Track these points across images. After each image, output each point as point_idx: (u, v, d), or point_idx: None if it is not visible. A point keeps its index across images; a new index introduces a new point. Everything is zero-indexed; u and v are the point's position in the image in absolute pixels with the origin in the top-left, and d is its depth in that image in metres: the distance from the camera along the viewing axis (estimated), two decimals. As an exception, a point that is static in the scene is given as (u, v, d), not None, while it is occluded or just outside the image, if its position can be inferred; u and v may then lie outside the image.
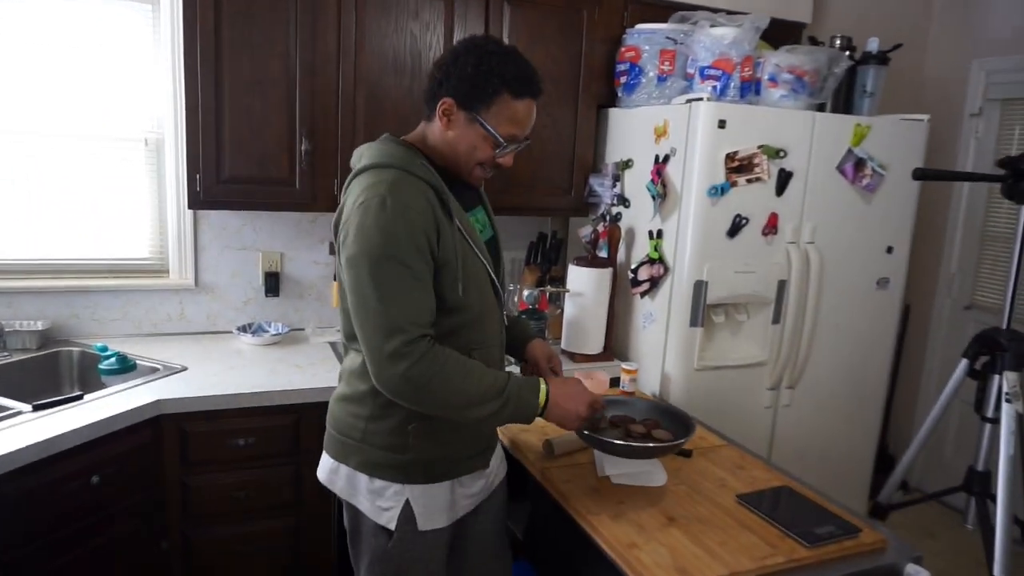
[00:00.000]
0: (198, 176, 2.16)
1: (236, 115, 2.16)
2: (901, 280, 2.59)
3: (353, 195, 1.37)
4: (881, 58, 2.47)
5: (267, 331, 2.59)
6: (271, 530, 2.15)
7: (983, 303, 3.41)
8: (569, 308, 2.49)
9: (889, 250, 2.52)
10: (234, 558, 2.12)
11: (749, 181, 2.22)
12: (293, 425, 2.11)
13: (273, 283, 2.62)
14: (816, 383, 2.52)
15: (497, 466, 1.67)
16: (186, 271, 2.52)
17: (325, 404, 2.06)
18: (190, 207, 2.21)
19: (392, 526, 1.48)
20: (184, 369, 2.19)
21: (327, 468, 1.56)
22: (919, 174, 2.13)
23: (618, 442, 1.61)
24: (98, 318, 2.45)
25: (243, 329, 2.53)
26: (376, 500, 1.48)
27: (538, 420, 1.44)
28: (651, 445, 1.63)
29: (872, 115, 2.49)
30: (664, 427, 1.82)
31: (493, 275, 1.51)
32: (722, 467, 1.79)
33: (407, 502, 1.47)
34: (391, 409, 1.42)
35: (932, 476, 3.68)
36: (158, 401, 1.94)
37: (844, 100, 2.53)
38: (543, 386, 1.43)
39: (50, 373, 2.26)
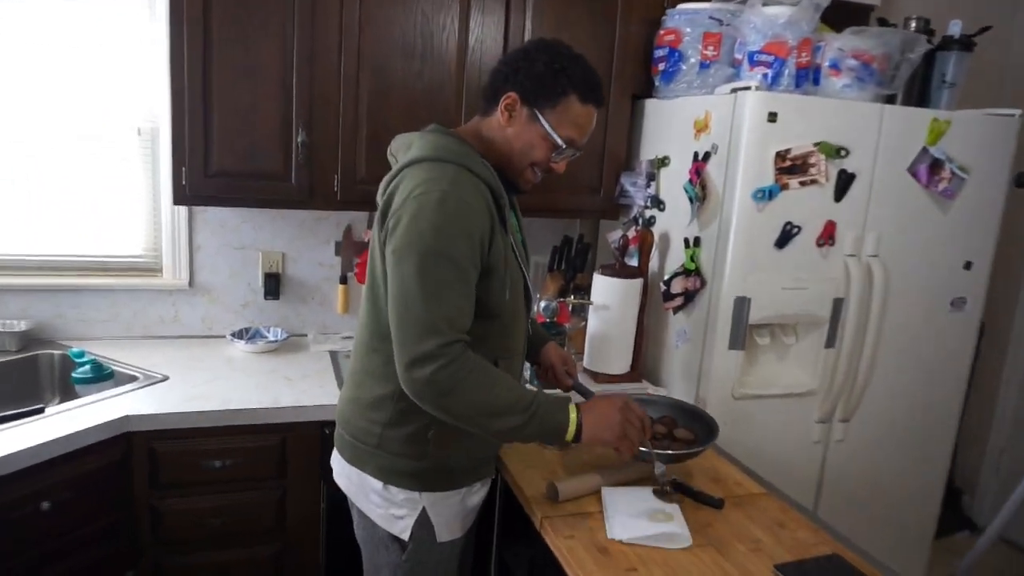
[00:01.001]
0: (184, 169, 1.97)
1: (225, 102, 1.96)
2: (980, 300, 2.24)
3: (407, 186, 1.29)
4: (965, 43, 2.13)
5: (265, 336, 2.40)
6: (251, 559, 1.95)
7: (1072, 324, 3.01)
8: (593, 322, 2.23)
9: (967, 266, 2.18)
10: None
11: (803, 184, 1.92)
12: (278, 446, 1.91)
13: (273, 285, 2.43)
14: (874, 416, 2.20)
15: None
16: (180, 271, 2.35)
17: (315, 424, 1.90)
18: (175, 203, 2.03)
19: (406, 536, 1.44)
20: (165, 379, 2.00)
21: (339, 471, 1.52)
22: (1021, 180, 1.79)
23: (648, 450, 1.47)
24: (85, 319, 2.29)
25: (238, 335, 2.34)
26: (390, 508, 1.44)
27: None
28: (681, 452, 1.56)
29: (951, 109, 2.15)
30: (682, 424, 1.70)
31: (527, 276, 1.48)
32: (759, 523, 1.50)
33: (423, 511, 1.43)
34: (411, 414, 1.36)
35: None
36: (127, 417, 1.76)
37: (919, 92, 2.20)
38: (573, 412, 1.33)
39: (29, 378, 2.10)
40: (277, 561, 1.98)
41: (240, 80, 1.96)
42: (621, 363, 2.22)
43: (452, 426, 1.32)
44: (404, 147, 1.41)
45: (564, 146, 1.37)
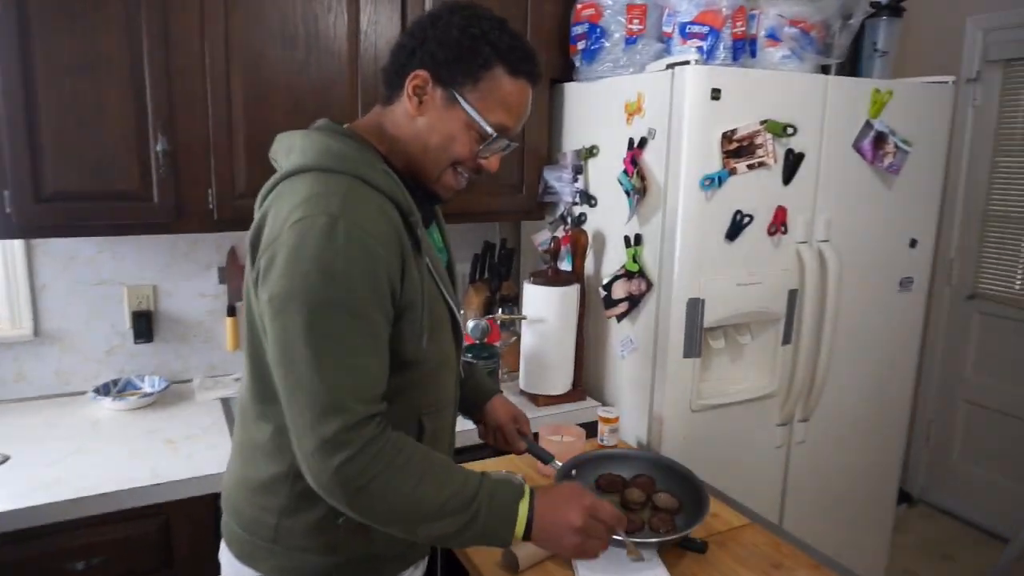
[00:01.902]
0: (5, 193, 1.56)
1: (57, 105, 1.56)
2: (925, 279, 2.14)
3: (284, 207, 0.98)
4: (895, 8, 2.01)
5: (138, 388, 1.99)
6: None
7: (988, 292, 3.02)
8: (527, 337, 1.97)
9: (912, 243, 2.07)
10: None
11: (751, 167, 1.72)
12: (159, 531, 1.53)
13: (144, 325, 2.02)
14: (834, 411, 2.05)
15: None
16: (20, 318, 1.91)
17: (206, 498, 1.54)
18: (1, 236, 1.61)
19: None
20: (4, 460, 1.58)
21: (229, 569, 1.17)
22: None
23: (616, 536, 1.16)
24: None
25: (102, 390, 1.92)
26: None
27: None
28: (666, 539, 1.25)
29: (886, 79, 2.02)
30: (662, 487, 1.44)
31: (458, 315, 1.17)
32: (752, 567, 1.29)
33: None
34: (314, 498, 1.03)
35: (940, 486, 3.30)
36: (-55, 523, 1.35)
37: (850, 62, 2.06)
38: (525, 499, 1.04)
39: None
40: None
41: (76, 77, 1.57)
42: (561, 381, 1.97)
43: None
44: (285, 151, 1.08)
45: (494, 135, 1.06)
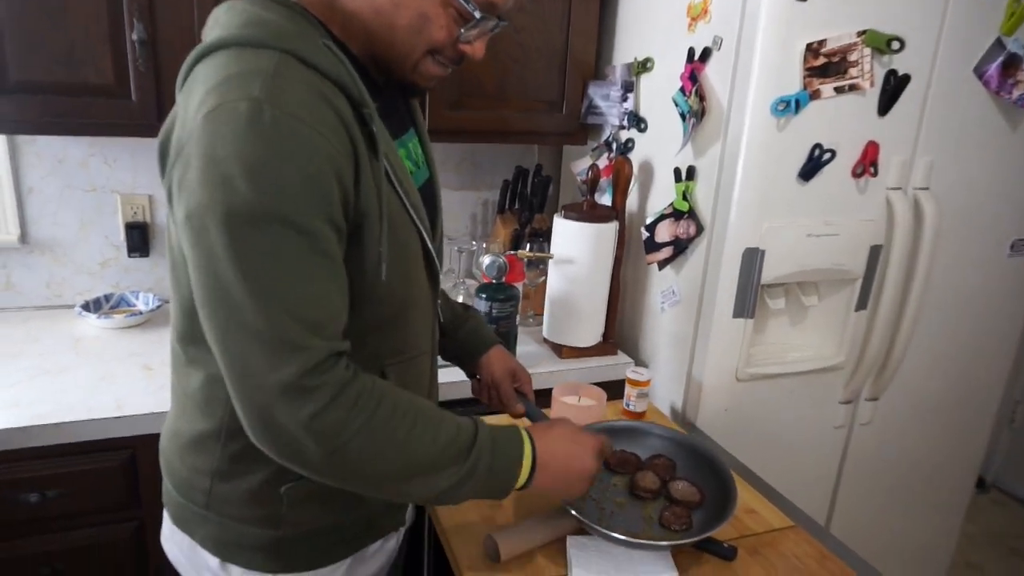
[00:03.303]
0: (-37, 81, 1.37)
1: (17, -19, 1.35)
2: (1044, 241, 1.77)
3: (196, 96, 0.75)
4: None
5: (131, 305, 1.85)
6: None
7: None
8: (554, 279, 1.72)
9: (1033, 199, 1.70)
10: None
11: (839, 90, 1.38)
12: (125, 466, 1.39)
13: (139, 238, 1.86)
14: (910, 390, 1.75)
15: (410, 513, 1.13)
16: (7, 223, 1.76)
17: None
18: (-39, 129, 1.43)
19: None
20: (-34, 377, 1.46)
21: (167, 533, 1.02)
22: None
23: (618, 536, 1.01)
24: None
25: (90, 306, 1.78)
26: None
27: None
28: (675, 543, 1.04)
29: (1026, -12, 1.61)
30: (682, 475, 1.21)
31: (430, 244, 0.94)
32: (790, 585, 1.05)
33: None
34: (250, 461, 0.87)
35: (1019, 472, 2.95)
36: None
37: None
38: (527, 443, 0.90)
39: None
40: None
41: (37, -52, 1.35)
42: (590, 332, 1.72)
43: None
44: (209, 26, 0.83)
45: (479, 16, 0.82)
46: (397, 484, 0.81)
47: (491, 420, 1.18)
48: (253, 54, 0.74)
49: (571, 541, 1.08)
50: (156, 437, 1.33)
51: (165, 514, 1.01)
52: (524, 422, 1.07)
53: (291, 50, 0.75)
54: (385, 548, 1.05)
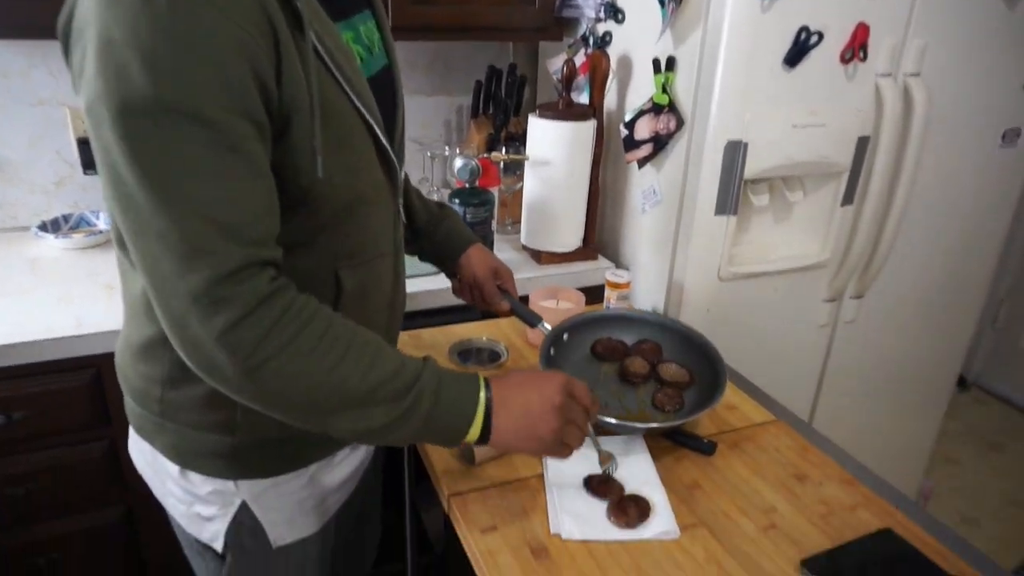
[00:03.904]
0: None
1: None
2: (1036, 130, 1.71)
3: None
4: None
5: (93, 224, 1.77)
6: (93, 527, 1.46)
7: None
8: (531, 183, 1.65)
9: (1027, 84, 1.63)
10: (49, 568, 1.45)
11: (828, -35, 1.29)
12: (91, 385, 1.35)
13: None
14: (896, 287, 1.72)
15: None
16: (-52, 139, 1.67)
17: None
18: None
19: (218, 545, 0.94)
20: (-82, 300, 1.40)
21: (131, 442, 0.99)
22: None
23: (610, 420, 1.00)
24: None
25: (48, 227, 1.71)
26: (194, 505, 0.93)
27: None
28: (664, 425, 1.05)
29: None
30: (670, 355, 1.21)
31: (383, 137, 0.85)
32: (770, 477, 1.04)
33: (242, 507, 0.92)
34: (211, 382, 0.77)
35: (1000, 371, 2.99)
36: None
37: None
38: (480, 406, 0.80)
39: None
40: (127, 524, 1.49)
41: None
42: (569, 236, 1.67)
43: None
44: None
45: None
46: (321, 416, 0.74)
47: (482, 325, 1.16)
48: None
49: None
50: (119, 354, 1.30)
51: (130, 424, 0.98)
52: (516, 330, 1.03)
53: None
54: (352, 457, 1.03)
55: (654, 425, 1.04)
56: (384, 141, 0.86)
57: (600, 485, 0.97)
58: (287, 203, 0.74)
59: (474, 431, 0.79)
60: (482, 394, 0.80)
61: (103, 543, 1.49)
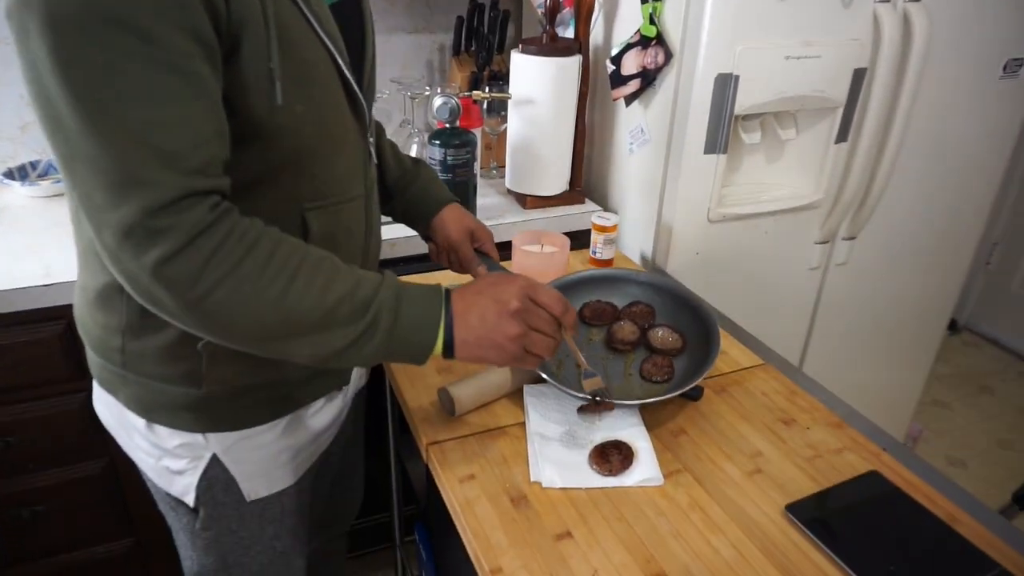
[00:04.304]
0: None
1: None
2: (1040, 61, 1.64)
3: None
4: None
5: (57, 172, 1.71)
6: (74, 481, 1.45)
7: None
8: (515, 123, 1.59)
9: (1031, 13, 1.55)
10: (32, 519, 1.44)
11: None
12: (62, 336, 1.32)
13: (59, 97, 1.69)
14: (889, 228, 1.68)
15: (359, 375, 1.08)
16: (-97, 82, 1.59)
17: None
18: None
19: (190, 499, 0.92)
20: None
21: (96, 395, 0.95)
22: None
23: (587, 396, 0.93)
24: None
25: (14, 174, 1.64)
26: (162, 459, 0.90)
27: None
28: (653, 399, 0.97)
29: None
30: (661, 322, 1.13)
31: (345, 68, 0.80)
32: (755, 421, 1.01)
33: (213, 460, 0.90)
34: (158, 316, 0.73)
35: (991, 314, 2.98)
36: None
37: None
38: (443, 302, 0.77)
39: None
40: (111, 475, 1.48)
41: None
42: (555, 180, 1.62)
43: None
44: None
45: None
46: (278, 342, 0.71)
47: (457, 275, 1.12)
48: None
49: (528, 391, 1.03)
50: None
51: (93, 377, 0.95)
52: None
53: None
54: (329, 407, 1.00)
55: (634, 402, 0.97)
56: (348, 75, 0.80)
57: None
58: (241, 135, 0.70)
59: (438, 346, 0.76)
60: (442, 307, 0.76)
61: (87, 495, 1.47)
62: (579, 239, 1.53)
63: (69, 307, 1.28)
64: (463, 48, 1.85)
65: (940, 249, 1.79)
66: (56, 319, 1.30)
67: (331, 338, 0.71)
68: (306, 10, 0.72)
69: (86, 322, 0.88)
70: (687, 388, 0.96)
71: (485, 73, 1.77)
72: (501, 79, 1.75)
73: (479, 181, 1.59)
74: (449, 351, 0.77)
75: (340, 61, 0.78)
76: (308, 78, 0.74)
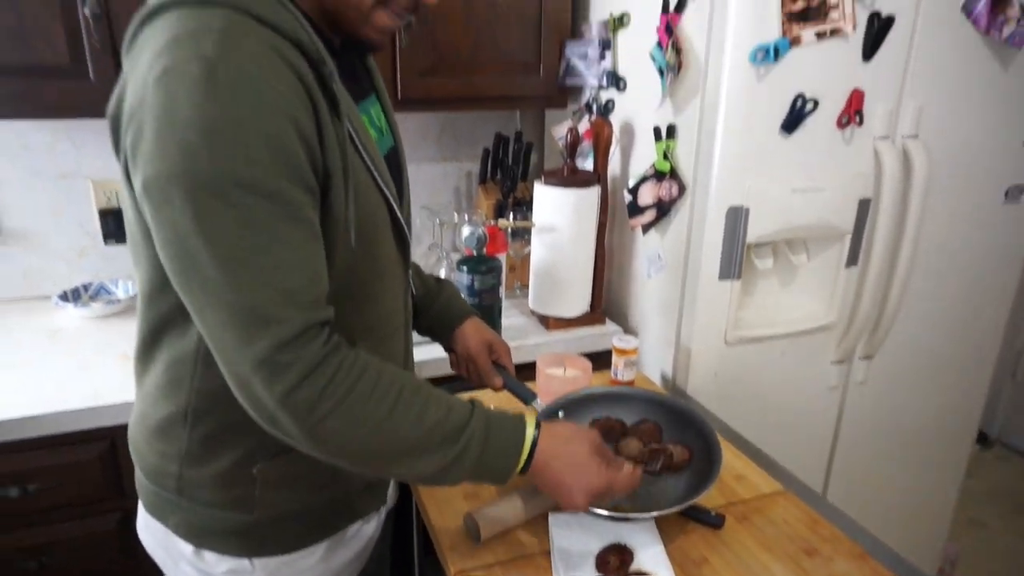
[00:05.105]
0: (-92, 67, 1.33)
1: (-41, -42, 1.30)
2: (1040, 187, 1.71)
3: (144, 60, 0.71)
4: None
5: (112, 293, 1.81)
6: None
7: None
8: (538, 249, 1.67)
9: (1028, 143, 1.64)
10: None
11: (820, 36, 1.33)
12: (104, 457, 1.37)
13: (115, 224, 1.82)
14: (906, 347, 1.71)
15: (393, 494, 1.15)
16: (-25, 214, 1.73)
17: None
18: (-89, 119, 1.39)
19: None
20: (-60, 373, 1.43)
21: (143, 523, 0.99)
22: None
23: (600, 512, 0.96)
24: None
25: (68, 296, 1.75)
26: None
27: None
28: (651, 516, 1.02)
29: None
30: (670, 435, 1.18)
31: (399, 212, 0.91)
32: (778, 551, 1.02)
33: None
34: (218, 442, 0.86)
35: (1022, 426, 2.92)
36: None
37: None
38: (530, 429, 0.88)
39: None
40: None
41: (-22, -77, 1.29)
42: (576, 302, 1.69)
43: (295, 452, 0.80)
44: None
45: None
46: (382, 463, 0.80)
47: (474, 395, 1.17)
48: (201, 12, 0.70)
49: (553, 519, 1.05)
50: (132, 425, 1.32)
51: (140, 503, 0.99)
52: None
53: (242, 7, 0.71)
54: (365, 530, 1.03)
55: (636, 515, 1.00)
56: (401, 218, 0.90)
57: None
58: None
59: (521, 463, 0.86)
60: (526, 446, 0.86)
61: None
62: (601, 358, 1.57)
63: (113, 428, 1.35)
64: (489, 176, 1.97)
65: (960, 363, 1.81)
66: (100, 439, 1.35)
67: (426, 461, 0.80)
68: (371, 166, 0.82)
69: (142, 449, 0.93)
70: (696, 498, 0.99)
71: (510, 200, 1.88)
72: (525, 204, 1.86)
73: (504, 303, 1.66)
74: (524, 470, 0.87)
75: (394, 205, 0.88)
76: (371, 223, 0.84)
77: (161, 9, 0.73)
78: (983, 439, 3.01)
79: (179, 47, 0.68)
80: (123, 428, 1.32)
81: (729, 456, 1.22)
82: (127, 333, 1.63)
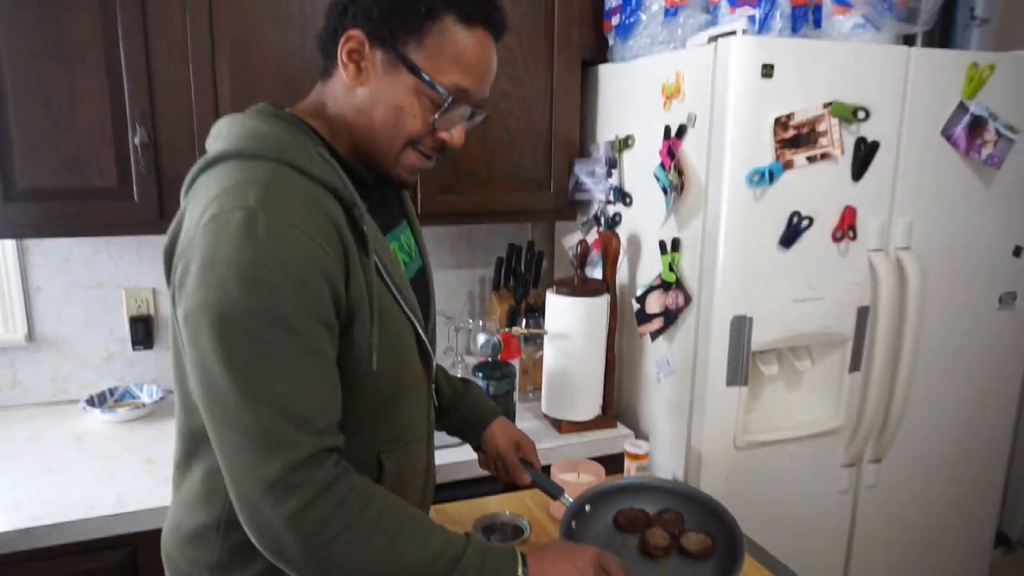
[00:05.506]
0: (-26, 192, 1.44)
1: (27, 92, 1.44)
2: (1033, 293, 1.78)
3: (199, 205, 0.81)
4: (999, -33, 1.67)
5: (137, 397, 1.87)
6: None
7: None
8: (550, 355, 1.73)
9: (1017, 252, 1.72)
10: None
11: (811, 160, 1.44)
12: (123, 565, 1.38)
13: (143, 331, 1.90)
14: (914, 450, 1.73)
15: None
16: (14, 322, 1.81)
17: None
18: (-29, 236, 1.50)
19: None
20: (-29, 479, 1.47)
21: None
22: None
23: None
24: None
25: (95, 401, 1.81)
26: None
27: None
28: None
29: (985, 50, 1.68)
30: (692, 525, 1.20)
31: (423, 333, 0.97)
32: (796, 662, 1.02)
33: None
34: (251, 552, 0.84)
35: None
36: None
37: (940, 33, 1.73)
38: (519, 565, 0.88)
39: None
40: None
41: (46, 63, 1.44)
42: (588, 405, 1.73)
43: None
44: (212, 138, 0.90)
45: (449, 99, 0.87)
46: None
47: (504, 499, 1.20)
48: (250, 165, 0.81)
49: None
50: (157, 532, 1.34)
51: None
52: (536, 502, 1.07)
53: (285, 160, 0.81)
54: None
55: None
56: (425, 338, 0.96)
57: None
58: (342, 391, 0.84)
59: None
60: (519, 570, 0.86)
61: None
62: (613, 461, 1.60)
63: (136, 535, 1.37)
64: (502, 283, 2.06)
65: (971, 465, 1.82)
66: (122, 546, 1.38)
67: None
68: (398, 295, 0.90)
69: (174, 556, 0.97)
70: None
71: (522, 306, 1.96)
72: (537, 311, 1.93)
73: (516, 406, 1.71)
74: None
75: (419, 327, 0.95)
76: (396, 346, 0.91)
77: (218, 160, 0.84)
78: (1005, 541, 2.94)
79: (228, 196, 0.78)
80: (145, 534, 1.37)
81: (747, 566, 1.23)
82: (152, 437, 1.68)
